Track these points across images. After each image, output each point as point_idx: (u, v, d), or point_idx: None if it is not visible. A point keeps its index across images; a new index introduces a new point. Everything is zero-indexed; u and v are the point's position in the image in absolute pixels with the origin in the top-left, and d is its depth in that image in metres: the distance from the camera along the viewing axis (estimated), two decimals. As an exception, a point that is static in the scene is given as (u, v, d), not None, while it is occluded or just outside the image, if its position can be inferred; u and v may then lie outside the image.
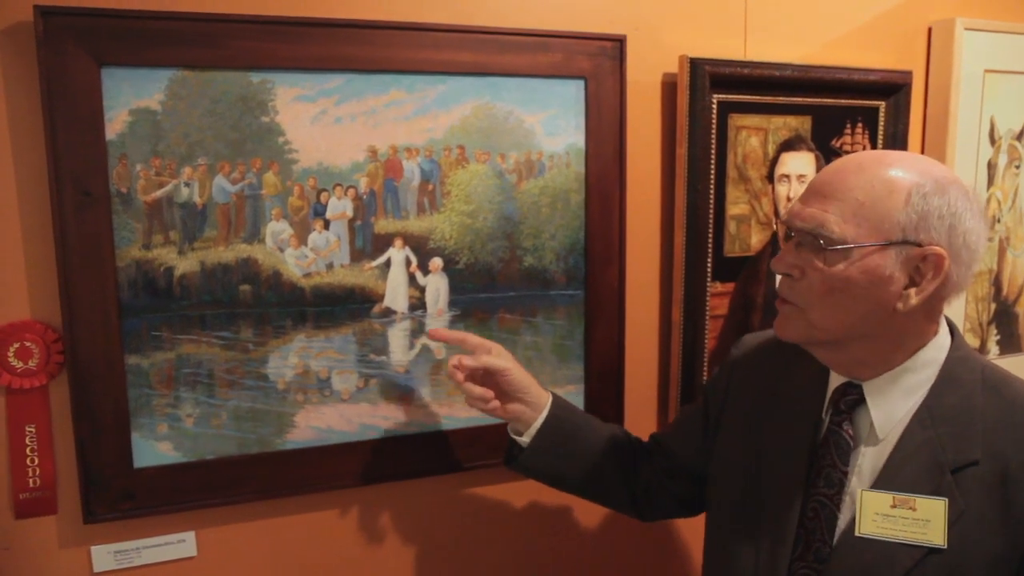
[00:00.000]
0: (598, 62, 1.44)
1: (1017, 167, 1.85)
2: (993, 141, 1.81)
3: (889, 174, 0.97)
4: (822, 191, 1.01)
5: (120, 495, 1.25)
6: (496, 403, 1.25)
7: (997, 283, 1.88)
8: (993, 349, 1.90)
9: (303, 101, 1.28)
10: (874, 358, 1.04)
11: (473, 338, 1.28)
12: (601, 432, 1.35)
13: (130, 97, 1.19)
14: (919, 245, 0.96)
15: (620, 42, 1.44)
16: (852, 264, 0.98)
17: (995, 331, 1.90)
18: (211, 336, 1.28)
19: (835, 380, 1.10)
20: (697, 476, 1.29)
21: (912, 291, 0.98)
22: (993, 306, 1.89)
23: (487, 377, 1.26)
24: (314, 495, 1.37)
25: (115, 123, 1.19)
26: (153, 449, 1.27)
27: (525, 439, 1.29)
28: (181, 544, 1.31)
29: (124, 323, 1.23)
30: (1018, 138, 1.84)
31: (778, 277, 1.63)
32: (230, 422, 1.30)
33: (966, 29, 1.71)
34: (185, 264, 1.25)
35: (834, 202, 0.99)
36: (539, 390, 1.29)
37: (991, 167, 1.81)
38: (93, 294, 1.20)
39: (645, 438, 1.40)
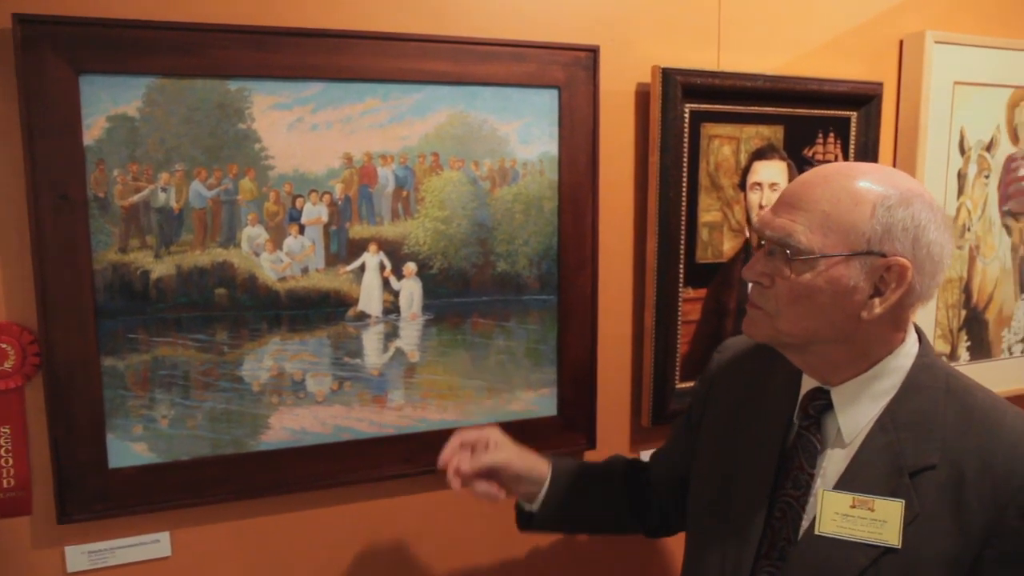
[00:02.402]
0: (572, 72, 1.47)
1: (987, 177, 1.88)
2: (963, 152, 1.84)
3: (855, 186, 1.00)
4: (791, 202, 1.04)
5: (95, 495, 1.27)
6: (502, 494, 1.27)
7: (967, 291, 1.91)
8: (964, 355, 1.93)
9: (280, 109, 1.30)
10: (841, 363, 1.07)
11: (467, 435, 1.28)
12: (605, 479, 1.38)
13: (108, 104, 1.21)
14: (883, 256, 0.99)
15: (594, 52, 1.47)
16: (818, 274, 1.00)
17: (965, 338, 1.93)
18: (187, 338, 1.30)
19: (806, 385, 1.13)
20: None
21: (876, 300, 1.01)
22: (963, 313, 1.92)
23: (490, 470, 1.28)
24: (288, 496, 1.39)
25: (93, 129, 1.21)
26: (128, 450, 1.28)
27: (533, 507, 1.32)
28: (155, 544, 1.33)
29: (100, 325, 1.25)
30: (987, 149, 1.87)
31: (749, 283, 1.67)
32: (205, 423, 1.32)
33: (936, 42, 1.74)
34: (161, 268, 1.27)
35: (802, 213, 1.02)
36: (539, 465, 1.31)
37: (961, 177, 1.85)
38: (69, 297, 1.22)
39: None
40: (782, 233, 1.03)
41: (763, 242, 1.08)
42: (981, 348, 1.95)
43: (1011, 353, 1.99)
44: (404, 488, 1.48)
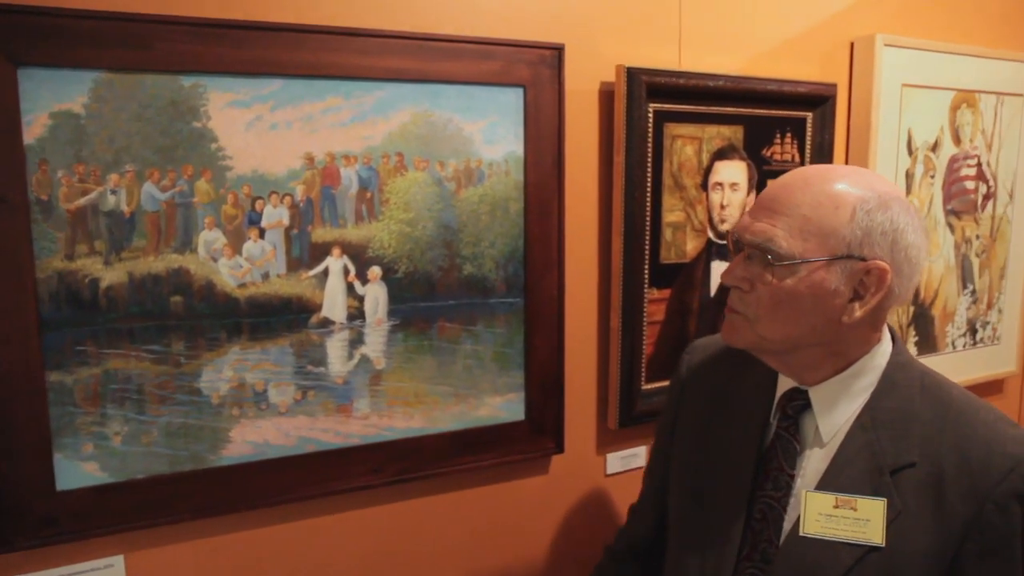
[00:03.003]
0: (537, 70, 1.44)
1: (932, 177, 1.94)
2: (910, 152, 1.89)
3: (834, 189, 1.00)
4: (771, 206, 1.03)
5: (41, 521, 1.18)
6: None
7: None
8: (912, 351, 1.98)
9: (237, 106, 1.23)
10: (820, 365, 1.08)
11: None
12: None
13: (51, 100, 1.13)
14: (863, 259, 0.99)
15: (559, 51, 1.45)
16: (800, 279, 1.00)
17: (913, 333, 1.98)
18: (140, 350, 1.22)
19: (783, 385, 1.13)
20: None
21: (856, 304, 1.02)
22: (912, 309, 1.97)
23: None
24: (251, 512, 1.33)
25: (34, 127, 1.12)
26: (78, 470, 1.20)
27: None
28: (108, 569, 1.24)
29: (45, 338, 1.16)
30: (932, 149, 1.93)
31: (713, 283, 1.68)
32: (161, 439, 1.25)
33: (886, 45, 1.78)
34: (112, 275, 1.19)
35: (782, 217, 1.01)
36: None
37: (909, 177, 1.90)
38: (10, 307, 1.13)
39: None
40: (762, 238, 1.02)
41: (742, 247, 1.07)
42: (928, 343, 2.01)
43: (955, 347, 2.06)
44: (372, 499, 1.43)
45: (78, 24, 1.12)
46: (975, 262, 2.05)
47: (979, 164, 2.01)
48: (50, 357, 1.17)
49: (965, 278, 2.04)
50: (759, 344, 1.08)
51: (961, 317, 2.05)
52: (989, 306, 2.11)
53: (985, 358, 2.12)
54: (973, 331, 2.08)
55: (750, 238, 1.04)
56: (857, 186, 1.01)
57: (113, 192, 1.18)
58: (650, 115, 1.54)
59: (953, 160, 1.97)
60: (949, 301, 2.02)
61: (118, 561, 1.25)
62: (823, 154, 1.75)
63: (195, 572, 1.31)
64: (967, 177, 2.00)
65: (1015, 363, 2.20)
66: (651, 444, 1.39)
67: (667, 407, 1.32)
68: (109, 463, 1.22)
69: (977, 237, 2.04)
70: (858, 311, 1.02)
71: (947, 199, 1.97)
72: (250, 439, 1.31)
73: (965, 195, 2.00)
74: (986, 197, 2.04)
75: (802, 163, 1.74)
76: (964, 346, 2.07)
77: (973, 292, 2.07)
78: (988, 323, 2.11)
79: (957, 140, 1.96)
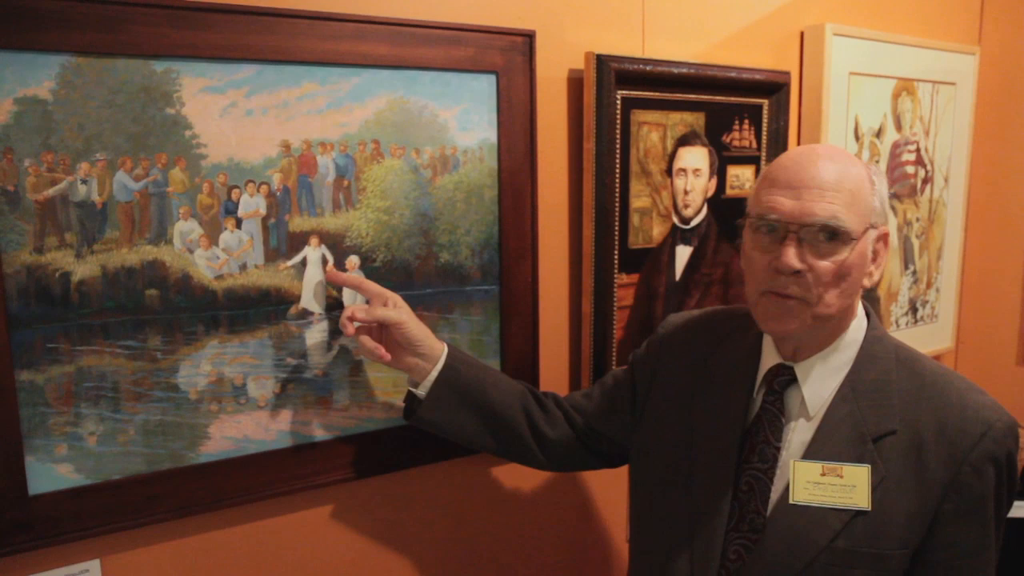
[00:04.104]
0: (509, 57, 1.44)
1: (877, 162, 2.02)
2: (857, 138, 1.97)
3: (854, 164, 1.09)
4: (816, 186, 1.05)
5: (13, 527, 1.13)
6: (387, 356, 1.25)
7: (862, 268, 2.05)
8: (860, 329, 2.07)
9: (211, 92, 1.20)
10: (819, 339, 1.14)
11: (371, 286, 1.28)
12: (502, 385, 1.36)
13: (15, 85, 1.07)
14: (876, 227, 1.09)
15: (530, 37, 1.45)
16: (855, 251, 1.06)
17: (861, 312, 2.06)
18: (115, 346, 1.17)
19: (767, 360, 1.17)
20: (611, 439, 1.37)
21: (874, 267, 1.11)
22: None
23: (383, 328, 1.26)
24: (231, 510, 1.29)
25: (-3, 113, 1.07)
26: (51, 473, 1.15)
27: (421, 391, 1.29)
28: (85, 575, 1.20)
29: (14, 336, 1.10)
30: (877, 135, 2.01)
31: (679, 266, 1.71)
32: (138, 438, 1.20)
33: (835, 34, 1.85)
34: (84, 269, 1.14)
35: (835, 194, 1.05)
36: (434, 342, 1.30)
37: (856, 162, 1.97)
38: (-24, 304, 1.08)
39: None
40: (828, 217, 1.04)
41: (785, 232, 1.07)
42: (874, 321, 2.10)
43: (898, 326, 2.16)
44: (355, 492, 1.41)
45: (44, 5, 1.07)
46: (915, 244, 2.15)
47: (918, 150, 2.11)
48: (20, 356, 1.11)
49: (907, 259, 2.14)
50: (812, 325, 1.09)
51: (904, 297, 2.15)
52: (928, 285, 2.21)
53: (924, 335, 2.23)
54: (914, 310, 2.19)
55: (812, 220, 1.04)
56: (857, 161, 1.10)
57: (84, 182, 1.13)
58: (618, 102, 1.56)
59: (895, 146, 2.06)
60: (893, 281, 2.12)
61: (94, 566, 1.20)
62: (779, 141, 1.80)
63: (175, 574, 1.27)
64: (908, 162, 2.09)
65: (951, 339, 2.32)
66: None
67: (638, 373, 1.35)
68: (84, 464, 1.17)
69: (917, 219, 2.14)
70: (876, 273, 1.12)
71: (890, 183, 2.06)
72: (229, 435, 1.27)
73: (906, 179, 2.10)
74: (924, 181, 2.15)
75: (759, 149, 1.79)
76: (906, 324, 2.17)
77: (914, 272, 2.17)
78: (927, 302, 2.22)
79: (899, 127, 2.05)
